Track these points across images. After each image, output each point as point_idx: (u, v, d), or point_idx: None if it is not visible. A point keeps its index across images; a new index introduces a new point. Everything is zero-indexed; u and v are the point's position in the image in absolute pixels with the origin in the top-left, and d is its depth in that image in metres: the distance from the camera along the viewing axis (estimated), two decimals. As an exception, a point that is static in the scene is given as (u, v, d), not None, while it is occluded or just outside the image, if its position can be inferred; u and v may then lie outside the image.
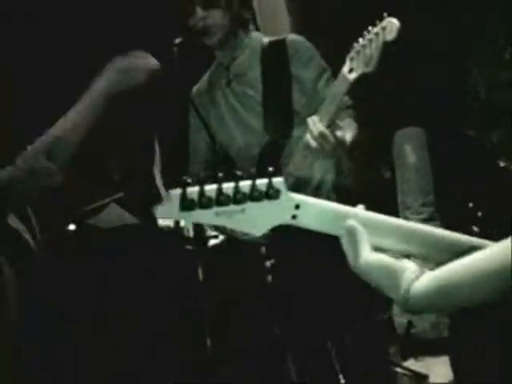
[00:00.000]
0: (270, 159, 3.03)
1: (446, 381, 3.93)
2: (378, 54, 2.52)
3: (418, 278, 1.49)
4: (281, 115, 3.05)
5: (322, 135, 2.73)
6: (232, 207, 1.42)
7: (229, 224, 1.45)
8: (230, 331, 3.41)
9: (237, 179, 1.42)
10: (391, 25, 2.48)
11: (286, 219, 1.52)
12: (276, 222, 1.51)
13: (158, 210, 1.41)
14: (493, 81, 5.42)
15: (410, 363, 4.34)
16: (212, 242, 3.54)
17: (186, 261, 3.42)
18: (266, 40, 3.15)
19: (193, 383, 3.40)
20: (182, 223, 3.62)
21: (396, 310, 4.64)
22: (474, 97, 5.53)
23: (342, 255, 2.92)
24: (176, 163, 3.09)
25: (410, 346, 4.47)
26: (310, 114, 2.97)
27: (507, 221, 3.52)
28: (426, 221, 4.69)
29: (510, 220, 3.52)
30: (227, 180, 1.42)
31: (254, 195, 1.44)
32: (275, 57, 3.08)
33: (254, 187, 1.43)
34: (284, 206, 1.49)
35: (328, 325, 3.12)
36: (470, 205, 3.58)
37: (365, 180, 4.66)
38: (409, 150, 4.85)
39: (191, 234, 3.97)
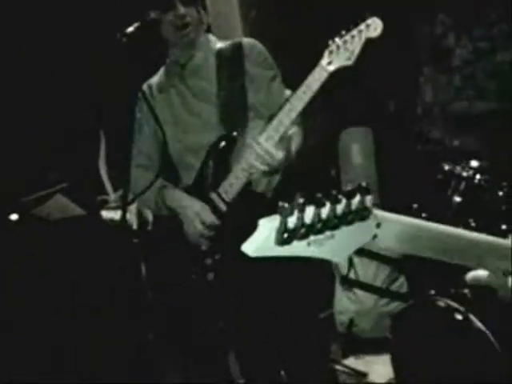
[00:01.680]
0: (221, 153, 3.03)
1: (386, 380, 3.97)
2: (359, 50, 2.59)
3: None
4: (236, 108, 3.05)
5: (268, 153, 2.77)
6: (325, 234, 1.30)
7: (317, 254, 1.31)
8: (172, 325, 3.40)
9: (333, 201, 1.28)
10: (375, 23, 2.57)
11: (367, 240, 1.37)
12: (358, 245, 1.37)
13: (250, 246, 1.26)
14: (441, 85, 5.51)
15: (351, 361, 4.38)
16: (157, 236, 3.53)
17: (130, 254, 3.40)
18: (221, 43, 3.19)
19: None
20: (129, 216, 3.60)
21: (337, 307, 4.68)
22: (421, 97, 5.61)
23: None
24: (122, 157, 3.05)
25: (351, 344, 4.51)
26: (266, 114, 3.02)
27: (450, 223, 3.58)
28: (369, 220, 4.74)
29: (451, 222, 3.57)
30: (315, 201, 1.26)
31: (348, 218, 1.30)
32: (230, 56, 3.10)
33: (348, 208, 1.30)
34: (369, 226, 1.37)
35: (270, 321, 3.12)
36: (415, 206, 3.63)
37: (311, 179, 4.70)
38: (355, 149, 4.89)
39: (135, 226, 3.97)
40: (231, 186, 2.96)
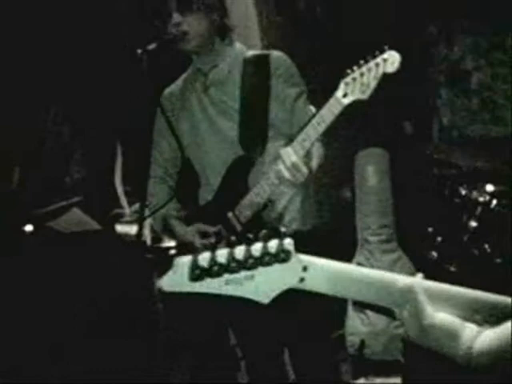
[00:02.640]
0: (239, 174, 3.01)
1: (396, 403, 3.96)
2: (376, 84, 2.56)
3: (480, 335, 1.45)
4: (256, 127, 3.02)
5: (295, 167, 2.73)
6: (242, 274, 1.33)
7: (238, 292, 1.34)
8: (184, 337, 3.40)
9: (248, 242, 1.32)
10: (393, 57, 2.51)
11: (293, 283, 1.41)
12: (283, 287, 1.40)
13: (165, 281, 1.29)
14: (459, 108, 5.49)
15: (361, 383, 4.36)
16: (172, 251, 3.53)
17: (144, 269, 3.40)
18: (249, 52, 3.12)
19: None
20: (146, 232, 3.61)
21: (349, 328, 4.66)
22: (438, 120, 5.60)
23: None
24: (139, 171, 3.06)
25: (362, 366, 4.49)
26: (289, 132, 3.01)
27: (465, 247, 3.57)
28: (384, 242, 4.73)
29: (467, 247, 3.57)
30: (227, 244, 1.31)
31: (265, 260, 1.34)
32: (257, 69, 3.05)
33: (265, 250, 1.33)
34: (292, 269, 1.39)
35: (280, 338, 3.12)
36: (430, 230, 3.62)
37: (328, 201, 4.69)
38: (370, 171, 4.87)
39: (148, 241, 3.97)
40: (248, 206, 2.94)
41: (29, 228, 3.87)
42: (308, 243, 2.99)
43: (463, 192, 3.52)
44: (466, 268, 3.46)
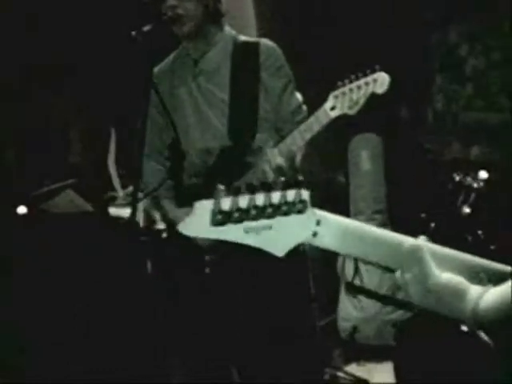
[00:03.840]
0: (227, 165, 3.01)
1: (387, 387, 3.97)
2: (364, 102, 2.59)
3: (485, 294, 1.45)
4: (246, 119, 3.02)
5: (279, 169, 2.79)
6: (261, 222, 1.30)
7: (255, 242, 1.31)
8: (172, 322, 3.39)
9: (267, 189, 1.28)
10: (383, 79, 2.56)
11: (307, 237, 1.37)
12: (298, 240, 1.37)
13: (185, 225, 1.26)
14: (453, 95, 5.49)
15: (352, 368, 4.37)
16: (164, 234, 3.52)
17: (137, 252, 3.39)
18: (239, 39, 3.10)
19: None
20: (139, 215, 3.59)
21: (341, 313, 4.67)
22: (433, 108, 5.60)
23: (290, 255, 2.96)
24: (132, 153, 3.05)
25: (353, 351, 4.51)
26: (274, 123, 3.02)
27: (458, 233, 3.58)
28: (377, 227, 4.73)
29: (460, 233, 3.58)
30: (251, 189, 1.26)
31: (283, 209, 1.31)
32: (246, 59, 3.04)
33: (284, 199, 1.30)
34: (307, 222, 1.36)
35: (268, 324, 3.11)
36: (423, 215, 3.63)
37: (319, 184, 4.70)
38: (364, 156, 4.88)
39: (141, 224, 3.96)
40: None
41: (22, 210, 3.86)
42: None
43: (457, 178, 3.53)
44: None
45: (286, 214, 1.33)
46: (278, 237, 1.34)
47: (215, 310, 3.11)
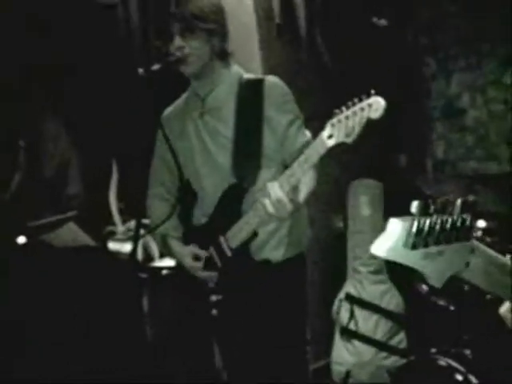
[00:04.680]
0: (232, 201, 3.03)
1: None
2: (360, 128, 2.57)
3: None
4: (250, 156, 3.03)
5: (280, 202, 2.77)
6: (438, 248, 1.21)
7: (425, 270, 1.21)
8: (171, 363, 3.39)
9: (442, 209, 1.18)
10: (378, 104, 2.49)
11: (461, 266, 1.28)
12: (453, 271, 1.27)
13: (383, 247, 1.16)
14: (453, 143, 5.54)
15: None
16: (165, 271, 3.54)
17: (134, 289, 3.40)
18: (244, 76, 3.14)
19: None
20: (138, 251, 3.61)
21: (335, 357, 4.66)
22: (432, 156, 5.64)
23: (289, 299, 3.00)
24: (135, 189, 3.08)
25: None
26: (280, 159, 3.04)
27: (456, 282, 3.58)
28: (373, 273, 4.75)
29: (458, 281, 3.58)
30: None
31: (459, 234, 1.21)
32: (251, 96, 3.05)
33: (462, 224, 1.19)
34: (464, 250, 1.26)
35: (267, 365, 3.12)
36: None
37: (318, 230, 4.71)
38: (364, 201, 4.90)
39: (140, 260, 3.98)
40: (239, 232, 2.96)
41: (21, 240, 3.86)
42: (291, 270, 3.05)
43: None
44: (456, 302, 3.49)
45: (460, 240, 1.24)
46: (443, 265, 1.26)
47: (215, 350, 3.14)
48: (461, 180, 4.14)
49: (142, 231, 2.97)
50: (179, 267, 3.14)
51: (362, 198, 4.91)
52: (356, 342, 4.60)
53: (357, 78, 4.98)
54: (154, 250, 4.06)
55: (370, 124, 2.55)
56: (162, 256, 3.99)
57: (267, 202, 2.77)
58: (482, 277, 1.32)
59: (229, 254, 2.99)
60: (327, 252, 4.97)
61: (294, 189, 2.80)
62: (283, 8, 4.73)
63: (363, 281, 4.75)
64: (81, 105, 4.82)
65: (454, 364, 3.27)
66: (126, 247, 3.96)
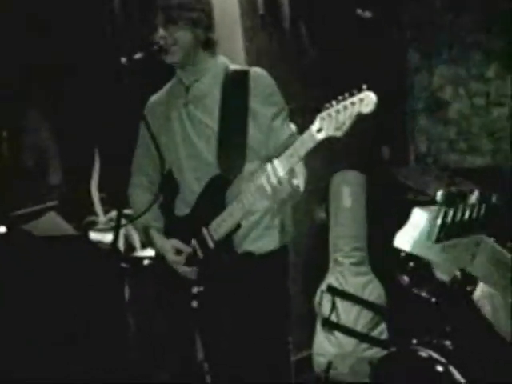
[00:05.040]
0: (216, 193, 3.01)
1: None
2: (350, 123, 2.57)
3: None
4: (234, 149, 3.01)
5: (279, 183, 2.73)
6: (455, 241, 1.07)
7: (441, 262, 1.09)
8: (152, 352, 3.38)
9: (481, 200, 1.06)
10: (369, 99, 2.48)
11: (467, 260, 1.15)
12: (462, 264, 1.13)
13: (408, 240, 1.05)
14: (436, 136, 5.56)
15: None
16: (146, 261, 3.52)
17: (116, 279, 3.38)
18: (230, 67, 3.12)
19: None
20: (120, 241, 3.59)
21: (316, 348, 4.66)
22: (415, 149, 5.66)
23: (271, 291, 2.99)
24: (117, 179, 3.05)
25: (328, 387, 4.50)
26: (264, 152, 3.01)
27: (435, 275, 3.59)
28: (355, 265, 4.75)
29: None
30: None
31: (474, 226, 1.08)
32: (236, 87, 3.04)
33: (484, 213, 1.07)
34: (472, 242, 1.15)
35: (248, 357, 3.11)
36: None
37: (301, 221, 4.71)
38: (346, 193, 4.90)
39: (122, 250, 3.96)
40: (222, 224, 2.95)
41: (1, 229, 3.84)
42: (273, 262, 3.05)
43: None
44: (437, 294, 3.49)
45: (472, 232, 1.16)
46: (452, 259, 1.19)
47: (195, 339, 3.13)
48: (443, 172, 4.13)
49: (123, 221, 2.96)
50: (160, 258, 3.12)
51: (345, 190, 4.91)
52: (337, 334, 4.60)
53: (340, 69, 4.99)
54: (136, 240, 4.05)
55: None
56: (143, 246, 3.98)
57: (265, 182, 2.74)
58: (485, 271, 1.26)
59: (211, 245, 2.98)
60: (310, 244, 4.97)
61: (290, 173, 2.77)
62: (267, -1, 4.73)
63: (345, 272, 4.75)
64: (63, 95, 4.79)
65: (435, 355, 3.27)
66: (108, 237, 3.95)
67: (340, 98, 2.55)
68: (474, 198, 1.09)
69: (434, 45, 5.49)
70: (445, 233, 1.06)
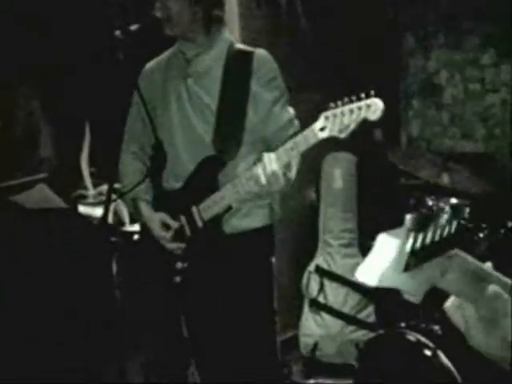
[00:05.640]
0: (209, 172, 2.98)
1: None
2: (355, 127, 2.53)
3: None
4: (232, 130, 2.98)
5: (274, 175, 2.71)
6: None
7: (408, 288, 1.08)
8: (135, 328, 3.37)
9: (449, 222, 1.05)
10: (376, 106, 2.46)
11: (437, 278, 1.15)
12: (431, 283, 1.14)
13: (372, 273, 1.04)
14: (429, 120, 5.53)
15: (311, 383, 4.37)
16: (135, 236, 3.50)
17: (105, 253, 3.36)
18: (235, 46, 3.07)
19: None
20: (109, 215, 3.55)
21: (303, 329, 4.66)
22: (407, 132, 5.63)
23: (256, 269, 2.97)
24: (108, 151, 3.02)
25: (313, 368, 4.50)
26: (261, 136, 2.99)
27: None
28: (344, 246, 4.74)
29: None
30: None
31: (449, 243, 1.09)
32: (239, 67, 2.99)
33: (457, 230, 1.07)
34: (442, 258, 1.14)
35: (230, 335, 3.10)
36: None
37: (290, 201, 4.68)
38: (337, 174, 4.88)
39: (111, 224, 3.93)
40: (213, 205, 2.92)
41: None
42: (259, 239, 3.03)
43: (430, 203, 3.53)
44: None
45: (445, 249, 1.12)
46: (420, 280, 1.14)
47: (180, 316, 3.11)
48: (435, 157, 4.11)
49: (113, 196, 2.93)
50: (146, 230, 3.09)
51: (336, 171, 4.90)
52: (324, 315, 4.60)
53: (335, 50, 4.97)
54: (125, 214, 4.02)
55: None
56: (132, 221, 3.95)
57: (261, 172, 2.72)
58: (458, 286, 1.22)
59: (200, 225, 2.96)
60: (299, 224, 4.96)
61: (286, 167, 2.75)
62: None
63: (334, 254, 4.75)
64: (54, 67, 4.74)
65: (423, 339, 3.27)
66: (97, 211, 3.92)
67: (345, 99, 2.52)
68: (445, 217, 1.03)
69: (429, 28, 5.45)
70: (414, 259, 0.99)
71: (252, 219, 3.06)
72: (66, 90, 4.74)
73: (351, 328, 4.57)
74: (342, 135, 2.54)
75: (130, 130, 3.18)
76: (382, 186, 4.81)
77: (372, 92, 2.47)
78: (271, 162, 2.70)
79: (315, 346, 4.54)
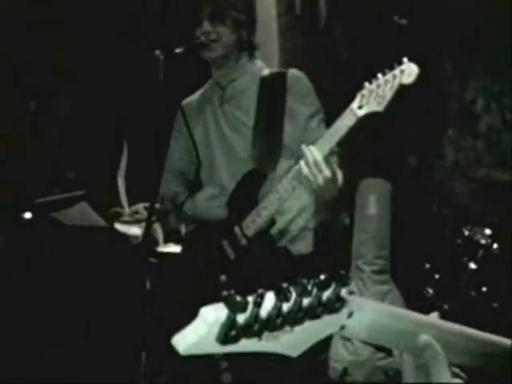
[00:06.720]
0: (249, 189, 3.00)
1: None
2: (392, 95, 2.51)
3: None
4: (270, 145, 3.00)
5: (316, 164, 2.65)
6: (283, 329, 1.04)
7: (267, 349, 1.05)
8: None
9: (301, 293, 1.03)
10: (410, 69, 2.47)
11: (331, 332, 1.14)
12: (320, 337, 1.13)
13: (184, 341, 0.98)
14: (464, 149, 5.51)
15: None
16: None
17: (141, 272, 3.38)
18: (267, 71, 3.13)
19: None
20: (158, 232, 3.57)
21: (333, 354, 4.64)
22: (443, 158, 5.62)
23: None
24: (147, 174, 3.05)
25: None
26: (296, 151, 2.96)
27: (463, 288, 3.57)
28: (377, 273, 4.72)
29: (464, 287, 3.57)
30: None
31: (317, 312, 1.07)
32: (273, 87, 3.04)
33: (318, 301, 1.05)
34: (337, 318, 1.12)
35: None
36: (427, 266, 3.62)
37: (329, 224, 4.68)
38: (372, 200, 4.87)
39: (161, 241, 3.95)
40: (254, 221, 2.93)
41: (27, 215, 3.84)
42: (305, 263, 3.02)
43: (466, 233, 3.52)
44: (461, 308, 3.47)
45: (317, 317, 1.09)
46: (298, 340, 1.10)
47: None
48: (470, 185, 4.11)
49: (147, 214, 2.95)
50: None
51: (370, 197, 4.88)
52: (354, 341, 4.58)
53: (372, 72, 4.98)
54: (160, 234, 4.04)
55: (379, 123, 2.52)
56: (166, 241, 3.97)
57: (302, 163, 2.68)
58: (367, 332, 1.19)
59: (244, 243, 2.95)
60: (329, 249, 4.95)
61: (330, 159, 2.72)
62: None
63: (366, 280, 4.72)
64: (94, 85, 4.80)
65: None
66: (132, 230, 3.93)
67: (379, 74, 2.53)
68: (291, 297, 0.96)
69: (468, 57, 5.45)
70: (237, 335, 0.97)
71: (299, 245, 3.05)
72: (104, 107, 4.79)
73: (380, 355, 4.54)
74: (380, 108, 2.53)
75: (171, 153, 3.22)
76: (418, 213, 4.80)
77: (405, 58, 2.46)
78: (312, 151, 2.67)
79: (344, 371, 4.52)
